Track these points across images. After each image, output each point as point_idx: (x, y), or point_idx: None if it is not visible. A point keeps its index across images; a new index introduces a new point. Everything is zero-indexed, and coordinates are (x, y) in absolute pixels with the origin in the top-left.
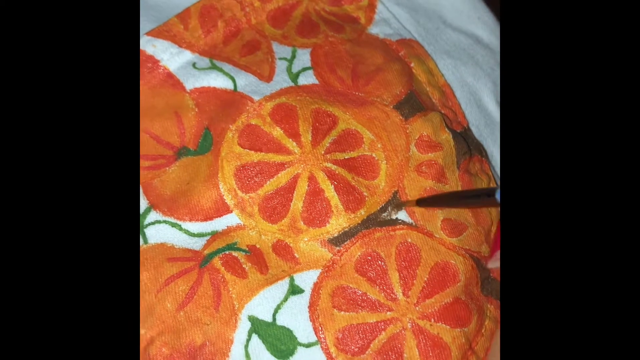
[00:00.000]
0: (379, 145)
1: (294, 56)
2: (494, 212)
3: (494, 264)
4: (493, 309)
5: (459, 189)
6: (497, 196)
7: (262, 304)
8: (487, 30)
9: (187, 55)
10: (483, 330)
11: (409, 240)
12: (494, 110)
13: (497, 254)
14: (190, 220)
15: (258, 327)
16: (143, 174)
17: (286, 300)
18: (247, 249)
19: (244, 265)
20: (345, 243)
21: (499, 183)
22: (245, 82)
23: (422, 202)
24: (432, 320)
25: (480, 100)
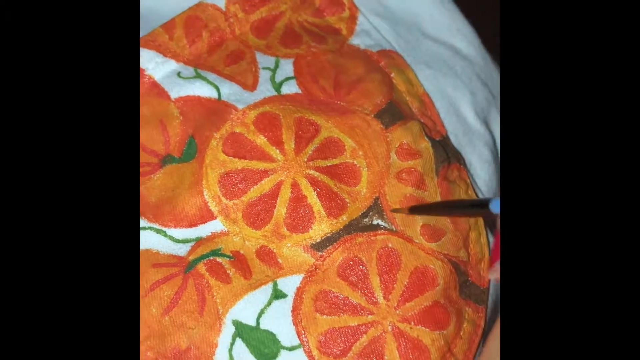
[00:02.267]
0: (360, 153)
1: (277, 66)
2: (472, 218)
3: (494, 275)
4: (471, 312)
5: (438, 195)
6: (492, 207)
7: (246, 308)
8: (465, 41)
9: (172, 65)
10: (461, 333)
11: (390, 245)
12: (472, 119)
13: (497, 265)
14: (175, 226)
15: (242, 331)
16: None
17: (270, 304)
18: (231, 254)
19: (228, 271)
20: (328, 248)
21: (477, 190)
22: (230, 91)
23: (414, 210)
24: (412, 323)
25: (459, 110)
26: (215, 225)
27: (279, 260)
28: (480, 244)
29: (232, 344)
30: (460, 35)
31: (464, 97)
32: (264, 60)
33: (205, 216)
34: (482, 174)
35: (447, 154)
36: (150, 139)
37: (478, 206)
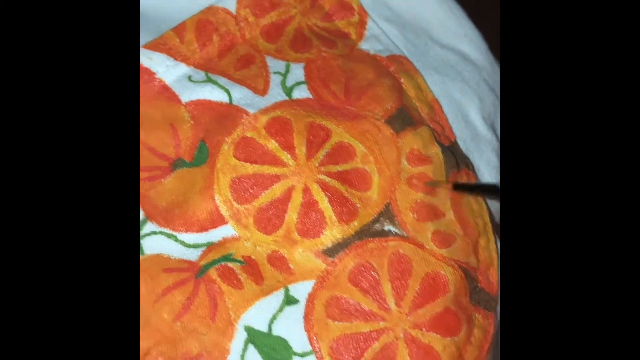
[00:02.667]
0: (371, 158)
1: (287, 70)
2: (481, 224)
3: None
4: (481, 319)
5: (448, 201)
6: None
7: (257, 314)
8: (472, 46)
9: (183, 68)
10: (472, 339)
11: (401, 251)
12: (480, 125)
13: None
14: (186, 231)
15: (254, 337)
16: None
17: (281, 310)
18: (242, 259)
19: (239, 276)
20: (339, 254)
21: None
22: (240, 95)
23: (458, 187)
24: (424, 329)
25: (467, 115)
26: (226, 230)
27: (290, 265)
28: (489, 250)
29: (244, 350)
30: (467, 40)
31: (471, 102)
32: (275, 64)
33: (217, 221)
34: (490, 179)
35: (456, 159)
36: (161, 142)
37: None
